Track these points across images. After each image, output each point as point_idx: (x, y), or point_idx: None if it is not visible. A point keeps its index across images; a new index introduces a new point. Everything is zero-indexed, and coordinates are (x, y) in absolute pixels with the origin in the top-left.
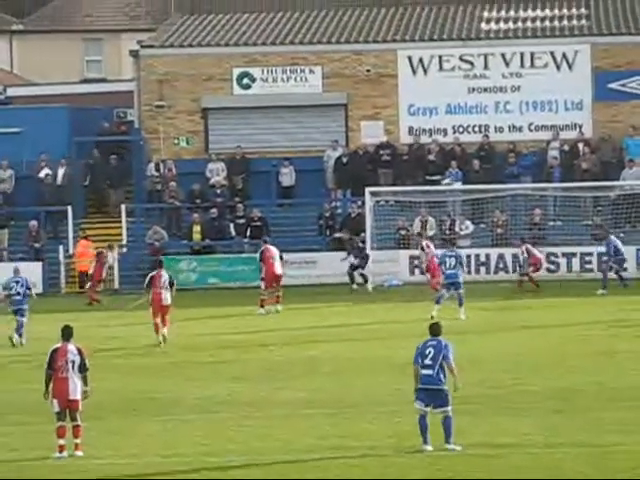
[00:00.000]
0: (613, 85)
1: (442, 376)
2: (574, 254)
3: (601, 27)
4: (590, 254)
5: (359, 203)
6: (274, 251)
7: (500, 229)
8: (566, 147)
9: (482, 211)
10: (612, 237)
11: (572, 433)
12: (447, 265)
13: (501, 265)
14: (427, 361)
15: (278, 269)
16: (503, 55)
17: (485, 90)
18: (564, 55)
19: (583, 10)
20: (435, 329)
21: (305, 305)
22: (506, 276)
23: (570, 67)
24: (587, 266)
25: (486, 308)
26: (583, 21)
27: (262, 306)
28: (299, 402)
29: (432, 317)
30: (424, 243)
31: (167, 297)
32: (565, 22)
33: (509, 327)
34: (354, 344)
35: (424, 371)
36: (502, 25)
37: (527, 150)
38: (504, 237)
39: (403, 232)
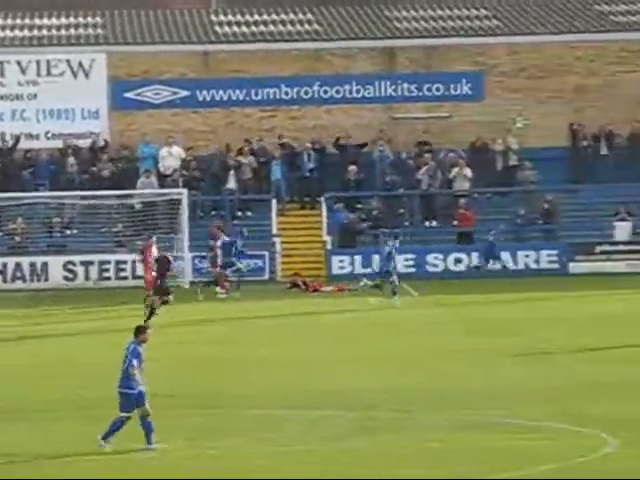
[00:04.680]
0: (129, 94)
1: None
2: (92, 262)
3: (117, 36)
4: (109, 262)
5: None
6: None
7: (19, 237)
8: (84, 155)
9: (0, 219)
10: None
11: None
12: None
13: (18, 274)
14: None
15: None
16: (19, 62)
17: (1, 98)
18: (80, 64)
19: (99, 19)
20: None
21: None
22: (24, 285)
23: (87, 76)
24: (105, 274)
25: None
26: (99, 30)
27: None
28: None
29: None
30: None
31: None
32: (81, 30)
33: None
34: None
35: None
36: (18, 32)
37: (45, 158)
38: (22, 246)
39: None
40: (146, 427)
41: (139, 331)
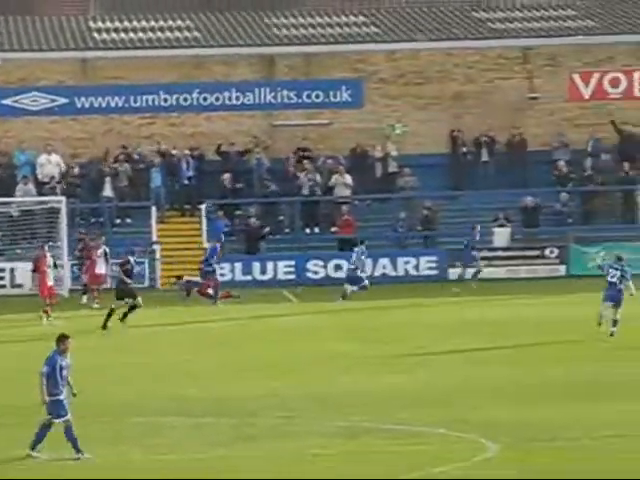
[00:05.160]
0: (6, 101)
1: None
2: None
3: (3, 44)
4: None
5: None
6: None
7: None
8: None
9: None
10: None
11: None
12: None
13: None
14: None
15: None
16: None
17: None
18: None
19: None
20: None
21: None
22: None
23: None
24: None
25: None
26: None
27: None
28: None
29: None
30: None
31: None
32: None
33: None
34: None
35: None
36: None
37: None
38: None
39: None
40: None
41: (59, 340)
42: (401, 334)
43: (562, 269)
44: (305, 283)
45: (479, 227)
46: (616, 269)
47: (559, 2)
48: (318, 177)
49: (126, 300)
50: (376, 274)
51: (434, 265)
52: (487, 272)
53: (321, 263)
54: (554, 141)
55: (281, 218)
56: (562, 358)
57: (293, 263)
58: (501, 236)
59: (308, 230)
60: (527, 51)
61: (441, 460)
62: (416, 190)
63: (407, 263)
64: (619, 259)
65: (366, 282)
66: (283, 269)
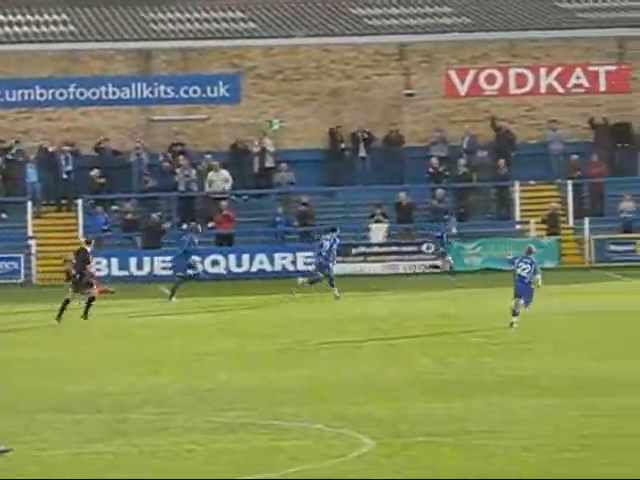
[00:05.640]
0: None
1: None
2: None
3: None
4: None
5: None
6: None
7: None
8: None
9: None
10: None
11: None
12: None
13: None
14: None
15: None
16: None
17: None
18: None
19: None
20: None
21: None
22: None
23: None
24: None
25: None
26: None
27: None
28: None
29: None
30: None
31: None
32: None
33: None
34: None
35: None
36: None
37: None
38: None
39: None
40: None
41: None
42: (280, 330)
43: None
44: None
45: (453, 217)
46: (527, 263)
47: None
48: (194, 172)
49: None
50: (253, 269)
51: (312, 260)
52: (365, 268)
53: (198, 259)
54: (431, 137)
55: (159, 214)
56: (437, 354)
57: (170, 259)
58: (378, 232)
59: (185, 226)
60: (403, 48)
61: (318, 455)
62: (293, 186)
63: (284, 259)
64: (529, 252)
65: (321, 275)
66: (160, 264)
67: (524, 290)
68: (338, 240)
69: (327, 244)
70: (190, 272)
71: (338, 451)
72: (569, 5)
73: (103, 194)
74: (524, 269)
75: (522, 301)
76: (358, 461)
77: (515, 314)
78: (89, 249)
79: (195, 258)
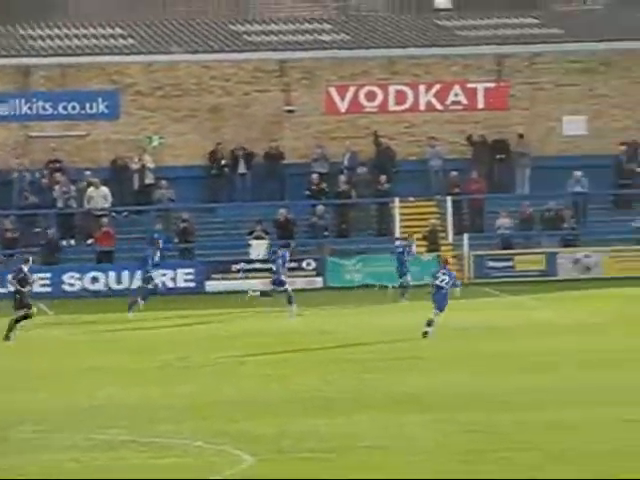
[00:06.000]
0: None
1: None
2: None
3: None
4: None
5: None
6: None
7: None
8: None
9: None
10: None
11: None
12: None
13: None
14: None
15: None
16: None
17: None
18: None
19: None
20: None
21: None
22: None
23: None
24: None
25: None
26: None
27: None
28: None
29: None
30: None
31: None
32: None
33: None
34: None
35: None
36: None
37: None
38: None
39: None
40: None
41: None
42: (160, 347)
43: (319, 281)
44: (60, 296)
45: (415, 237)
46: (444, 274)
47: (314, 16)
48: (73, 189)
49: (24, 310)
50: (133, 286)
51: (191, 277)
52: (245, 284)
53: (77, 275)
54: (312, 154)
55: (37, 230)
56: (320, 370)
57: (49, 275)
58: (258, 248)
59: (64, 242)
60: (283, 64)
61: (198, 472)
62: (173, 202)
63: (164, 275)
64: (446, 262)
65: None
66: (38, 281)
67: (439, 298)
68: (287, 255)
69: (280, 261)
70: (150, 286)
71: (218, 468)
72: (448, 23)
73: None
74: (442, 280)
75: (437, 311)
76: (238, 478)
77: (429, 324)
78: (26, 268)
79: (154, 273)
